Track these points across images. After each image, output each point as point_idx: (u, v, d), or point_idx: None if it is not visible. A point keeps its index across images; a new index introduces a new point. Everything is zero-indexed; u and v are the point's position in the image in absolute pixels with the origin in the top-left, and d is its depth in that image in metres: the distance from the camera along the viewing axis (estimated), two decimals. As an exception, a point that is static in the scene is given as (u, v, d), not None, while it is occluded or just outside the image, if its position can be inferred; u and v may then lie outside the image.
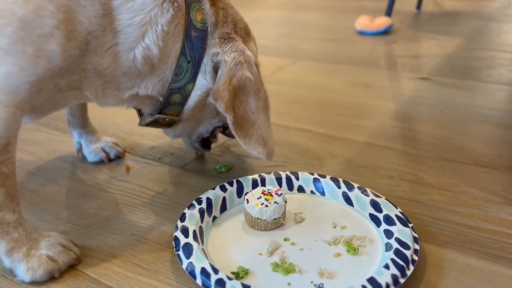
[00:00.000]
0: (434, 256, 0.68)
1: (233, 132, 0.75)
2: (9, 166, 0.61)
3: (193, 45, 0.71)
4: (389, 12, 2.33)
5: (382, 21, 2.22)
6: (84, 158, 1.00)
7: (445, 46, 1.93)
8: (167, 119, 0.79)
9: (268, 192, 0.75)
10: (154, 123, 0.80)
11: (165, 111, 0.77)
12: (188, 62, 0.72)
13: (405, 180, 0.88)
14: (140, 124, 0.82)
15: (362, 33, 2.24)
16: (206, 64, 0.74)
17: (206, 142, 0.93)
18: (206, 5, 0.73)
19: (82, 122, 0.99)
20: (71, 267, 0.66)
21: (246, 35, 0.81)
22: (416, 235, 0.68)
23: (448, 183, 0.87)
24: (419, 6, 2.84)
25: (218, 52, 0.74)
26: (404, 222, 0.70)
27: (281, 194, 0.74)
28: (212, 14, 0.73)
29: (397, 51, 1.89)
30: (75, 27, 0.60)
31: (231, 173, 0.93)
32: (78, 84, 0.67)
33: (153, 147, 1.06)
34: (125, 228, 0.76)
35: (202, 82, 0.75)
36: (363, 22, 2.25)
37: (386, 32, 2.22)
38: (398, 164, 0.94)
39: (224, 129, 0.92)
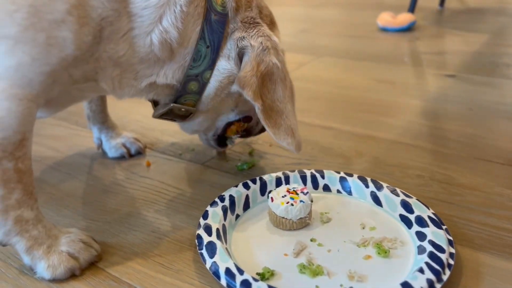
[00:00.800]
0: (470, 260, 0.64)
1: (262, 122, 0.71)
2: (25, 162, 0.59)
3: (213, 29, 0.67)
4: (412, 9, 2.28)
5: (405, 18, 2.17)
6: (104, 153, 0.99)
7: (470, 43, 1.88)
8: (182, 109, 0.75)
9: (294, 190, 0.72)
10: (168, 114, 0.76)
11: (180, 100, 0.73)
12: (207, 47, 0.68)
13: (436, 180, 0.84)
14: (154, 115, 0.78)
15: (384, 30, 2.20)
16: (231, 50, 0.70)
17: (222, 139, 0.90)
18: None
19: (102, 118, 0.97)
20: (91, 265, 0.65)
21: (271, 23, 0.78)
22: (450, 238, 0.64)
23: (481, 183, 0.83)
24: (442, 2, 2.77)
25: (243, 37, 0.70)
26: (438, 224, 0.66)
27: (307, 192, 0.71)
28: None
29: (421, 48, 1.84)
30: (87, 12, 0.56)
31: (253, 171, 0.91)
32: (93, 74, 0.64)
33: (174, 143, 1.04)
34: (146, 225, 0.74)
35: (225, 67, 0.70)
36: (385, 19, 2.20)
37: (409, 29, 2.17)
38: (427, 163, 0.91)
39: (240, 129, 0.88)
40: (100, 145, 0.98)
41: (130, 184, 0.87)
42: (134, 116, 1.19)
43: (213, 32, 0.68)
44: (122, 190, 0.85)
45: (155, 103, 0.81)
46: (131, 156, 0.97)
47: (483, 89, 1.33)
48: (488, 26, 2.22)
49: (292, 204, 0.69)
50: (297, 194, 0.71)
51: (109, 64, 0.63)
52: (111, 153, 0.96)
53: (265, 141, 1.02)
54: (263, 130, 0.88)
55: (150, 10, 0.61)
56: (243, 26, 0.71)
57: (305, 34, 2.18)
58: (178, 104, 0.74)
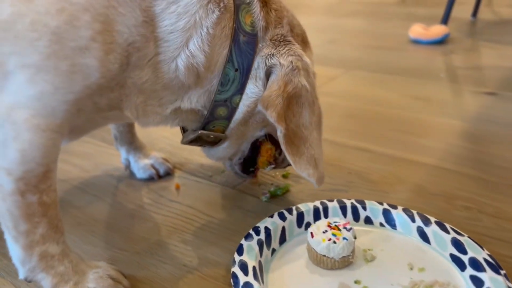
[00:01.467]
0: (533, 311, 0.58)
1: (283, 147, 0.66)
2: (50, 195, 0.56)
3: (242, 51, 0.63)
4: (445, 20, 2.20)
5: (438, 30, 2.10)
6: (132, 173, 0.95)
7: (508, 57, 1.79)
8: (211, 136, 0.71)
9: (335, 225, 0.67)
10: (197, 140, 0.72)
11: (208, 127, 0.70)
12: (236, 70, 0.64)
13: (485, 213, 0.78)
14: (183, 141, 0.75)
15: (416, 42, 2.12)
16: (258, 69, 0.66)
17: (246, 165, 0.83)
18: (256, 7, 0.64)
19: (129, 138, 0.94)
20: (120, 302, 0.61)
21: (303, 42, 0.73)
22: (510, 285, 0.58)
23: (536, 218, 0.76)
24: (475, 13, 2.68)
25: (273, 54, 0.65)
26: (495, 268, 0.60)
27: (351, 228, 0.66)
28: (262, 17, 0.65)
29: (456, 62, 1.77)
30: (113, 38, 0.53)
31: (287, 197, 0.86)
32: (118, 102, 0.61)
33: (203, 163, 1.00)
34: (177, 258, 0.70)
35: (253, 90, 0.66)
36: (417, 30, 2.13)
37: (442, 41, 2.09)
38: (474, 193, 0.84)
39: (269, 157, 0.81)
40: (128, 166, 0.94)
41: (159, 209, 0.83)
42: (162, 133, 1.16)
43: (242, 54, 0.64)
44: (151, 215, 0.81)
45: (183, 129, 0.77)
46: (160, 177, 0.93)
47: (527, 108, 1.26)
48: (526, 38, 2.13)
49: (334, 242, 0.64)
50: (339, 229, 0.66)
51: (133, 91, 0.60)
52: (140, 174, 0.93)
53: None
54: None
55: (176, 34, 0.58)
56: (272, 44, 0.66)
57: (333, 45, 2.13)
58: (206, 131, 0.70)
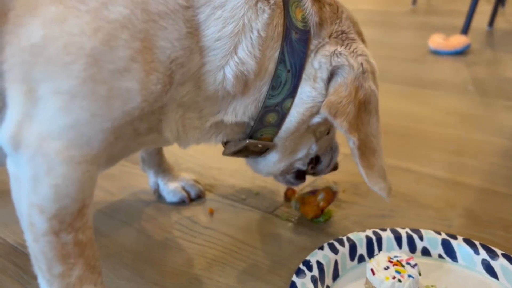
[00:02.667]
0: None
1: (357, 160, 0.60)
2: (86, 233, 0.50)
3: (294, 50, 0.57)
4: (465, 30, 2.15)
5: (459, 40, 2.05)
6: (160, 197, 0.89)
7: (535, 69, 1.74)
8: (259, 145, 0.64)
9: (397, 261, 0.61)
10: (242, 151, 0.65)
11: (256, 135, 0.63)
12: (288, 71, 0.57)
13: (551, 243, 0.72)
14: (226, 153, 0.67)
15: (436, 53, 2.07)
16: (318, 70, 0.59)
17: (301, 174, 0.77)
18: (308, 1, 0.58)
19: (158, 160, 0.88)
20: None
21: (364, 42, 0.66)
22: None
23: None
24: (491, 23, 2.64)
25: (340, 53, 0.58)
26: None
27: (415, 265, 0.60)
28: (315, 12, 0.58)
29: (481, 74, 1.71)
30: (155, 56, 0.48)
31: (331, 223, 0.80)
32: (158, 124, 0.55)
33: (234, 184, 0.94)
34: (221, 295, 0.63)
35: (309, 93, 0.59)
36: (437, 41, 2.08)
37: (462, 52, 2.04)
38: (533, 219, 0.78)
39: (311, 166, 0.77)
40: (157, 189, 0.88)
41: (193, 238, 0.77)
42: (187, 151, 1.10)
43: (294, 53, 0.57)
44: (185, 245, 0.75)
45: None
46: (191, 200, 0.87)
47: None
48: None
49: (399, 280, 0.58)
50: (402, 266, 0.60)
51: (171, 107, 0.54)
52: (170, 197, 0.87)
53: (339, 183, 0.91)
54: (333, 169, 0.78)
55: (224, 41, 0.52)
56: (334, 41, 0.59)
57: (352, 56, 2.07)
58: (254, 140, 0.63)
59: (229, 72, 0.54)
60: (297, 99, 0.60)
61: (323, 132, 0.69)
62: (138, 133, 0.54)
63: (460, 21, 2.21)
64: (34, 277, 0.50)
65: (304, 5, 0.58)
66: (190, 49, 0.51)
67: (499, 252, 0.65)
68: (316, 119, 0.62)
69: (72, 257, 0.49)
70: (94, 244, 0.52)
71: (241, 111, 0.59)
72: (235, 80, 0.54)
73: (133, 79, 0.47)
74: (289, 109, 0.61)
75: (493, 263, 0.64)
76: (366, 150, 0.61)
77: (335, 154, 0.77)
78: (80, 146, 0.46)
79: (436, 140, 1.13)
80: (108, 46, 0.45)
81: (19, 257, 0.72)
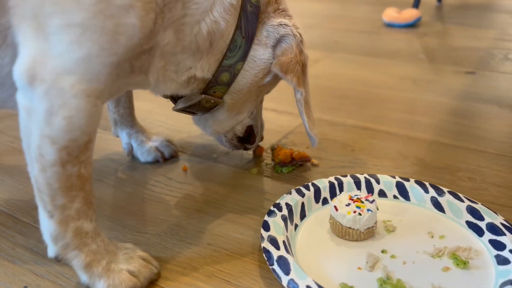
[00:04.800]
0: (551, 270, 0.61)
1: (303, 111, 0.72)
2: (87, 168, 0.54)
3: (248, 20, 0.66)
4: (417, 4, 2.26)
5: (410, 13, 2.15)
6: (133, 159, 0.93)
7: (480, 39, 1.86)
8: (212, 101, 0.72)
9: (358, 198, 0.68)
10: (195, 106, 0.72)
11: (210, 92, 0.70)
12: (243, 37, 0.66)
13: (489, 183, 0.82)
14: (176, 108, 0.74)
15: (390, 26, 2.17)
16: (268, 37, 0.69)
17: (242, 140, 0.85)
18: None
19: (130, 121, 0.91)
20: (151, 283, 0.60)
21: None
22: (531, 247, 0.61)
23: (536, 186, 0.80)
24: (441, -3, 2.76)
25: (286, 24, 0.69)
26: (513, 232, 0.64)
27: (373, 200, 0.68)
28: None
29: (432, 44, 1.82)
30: None
31: (294, 174, 0.86)
32: (147, 66, 0.60)
33: (205, 145, 0.99)
34: (200, 237, 0.69)
35: (262, 56, 0.69)
36: (391, 14, 2.18)
37: (414, 24, 2.15)
38: (475, 165, 0.88)
39: (243, 140, 0.85)
40: (130, 151, 0.92)
41: (170, 191, 0.81)
42: (157, 117, 1.13)
43: (248, 23, 0.66)
44: (164, 198, 0.79)
45: (173, 97, 0.77)
46: (165, 160, 0.91)
47: (507, 86, 1.32)
48: (491, 22, 2.22)
49: (359, 214, 0.65)
50: (362, 202, 0.67)
51: (156, 53, 0.59)
52: (144, 157, 0.90)
53: (303, 143, 0.98)
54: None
55: None
56: (277, 15, 0.70)
57: (314, 29, 2.14)
58: (208, 96, 0.71)
59: (204, 27, 0.60)
60: (250, 62, 0.70)
61: (262, 97, 0.80)
62: (133, 70, 0.58)
63: (412, -5, 2.32)
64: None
65: None
66: None
67: (445, 189, 0.74)
68: (268, 79, 0.72)
69: (75, 189, 0.53)
70: (92, 181, 0.56)
71: (206, 68, 0.66)
72: (207, 35, 0.61)
73: (136, 15, 0.50)
74: (239, 70, 0.70)
75: (440, 199, 0.73)
76: (306, 104, 0.73)
77: (262, 128, 0.87)
78: (91, 80, 0.50)
79: (390, 102, 1.22)
80: None
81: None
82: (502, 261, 0.60)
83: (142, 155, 0.91)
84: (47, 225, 0.54)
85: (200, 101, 0.71)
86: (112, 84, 0.53)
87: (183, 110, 0.74)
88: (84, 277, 0.56)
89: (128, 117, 0.91)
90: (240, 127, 0.81)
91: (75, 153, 0.51)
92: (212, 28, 0.61)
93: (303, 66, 0.71)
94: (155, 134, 0.98)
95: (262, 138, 0.90)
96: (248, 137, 0.85)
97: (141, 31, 0.52)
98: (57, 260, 0.55)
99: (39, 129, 0.49)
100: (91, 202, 0.56)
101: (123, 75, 0.56)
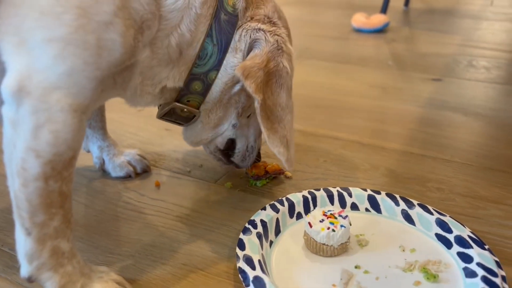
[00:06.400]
0: (516, 280, 0.64)
1: (260, 120, 0.68)
2: (68, 185, 0.54)
3: (221, 29, 0.65)
4: (384, 10, 2.30)
5: (379, 19, 2.19)
6: (105, 173, 0.91)
7: (446, 45, 1.92)
8: (185, 110, 0.71)
9: (331, 214, 0.69)
10: (171, 114, 0.72)
11: (183, 100, 0.70)
12: (214, 45, 0.65)
13: (457, 194, 0.84)
14: (158, 115, 0.75)
15: (359, 31, 2.20)
16: (240, 42, 0.67)
17: (226, 154, 0.84)
18: None
19: (102, 134, 0.90)
20: (125, 308, 0.59)
21: (286, 29, 0.73)
22: (496, 259, 0.64)
23: (500, 195, 0.83)
24: (407, 3, 2.83)
25: (259, 28, 0.67)
26: (480, 244, 0.66)
27: (346, 216, 0.69)
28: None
29: (400, 50, 1.86)
30: (131, 15, 0.54)
31: (268, 187, 0.87)
32: (128, 82, 0.61)
33: (178, 158, 0.98)
34: (175, 257, 0.68)
35: (231, 63, 0.67)
36: (359, 20, 2.21)
37: (382, 30, 2.19)
38: (444, 175, 0.90)
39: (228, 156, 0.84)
40: (102, 165, 0.90)
41: (143, 209, 0.80)
42: (128, 128, 1.12)
43: (222, 31, 0.65)
44: (136, 216, 0.78)
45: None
46: (137, 174, 0.90)
47: (471, 93, 1.36)
48: (456, 27, 2.29)
49: (333, 230, 0.66)
50: (335, 218, 0.68)
51: (136, 70, 0.60)
52: (116, 172, 0.89)
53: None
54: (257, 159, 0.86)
55: (175, 14, 0.60)
56: (256, 21, 0.68)
57: (282, 34, 2.15)
58: (180, 104, 0.70)
59: (173, 40, 0.61)
60: (222, 71, 0.68)
61: (245, 108, 0.75)
62: (115, 87, 0.59)
63: (379, 1, 2.36)
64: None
65: None
66: (154, 15, 0.57)
67: (415, 202, 0.76)
68: (237, 87, 0.70)
69: (55, 206, 0.52)
70: (71, 199, 0.55)
71: (177, 77, 0.66)
72: (176, 47, 0.62)
73: (116, 31, 0.52)
74: (213, 80, 0.68)
75: (410, 212, 0.75)
76: (272, 116, 0.69)
77: (255, 150, 0.84)
78: (77, 95, 0.51)
79: (361, 110, 1.24)
80: (94, 1, 0.50)
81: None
82: (469, 274, 0.62)
83: (114, 170, 0.89)
84: (23, 243, 0.53)
85: (174, 109, 0.71)
86: (97, 99, 0.54)
87: (167, 120, 0.74)
88: (57, 300, 0.55)
89: (99, 130, 0.89)
90: (221, 139, 0.79)
91: (59, 168, 0.51)
92: (179, 40, 0.62)
93: (269, 74, 0.68)
94: (127, 147, 0.97)
95: (259, 159, 0.87)
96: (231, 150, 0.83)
97: (123, 46, 0.53)
98: (30, 281, 0.54)
99: (24, 142, 0.49)
100: (70, 221, 0.55)
101: (108, 90, 0.57)
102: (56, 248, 0.54)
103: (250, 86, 0.65)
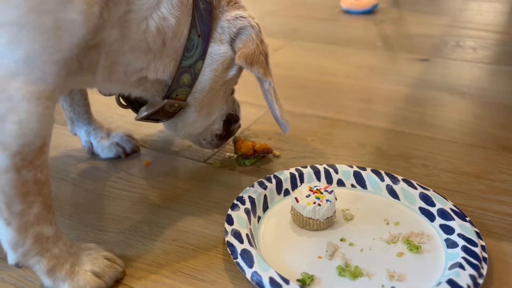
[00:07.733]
0: (495, 251, 0.66)
1: (273, 99, 0.72)
2: (44, 172, 0.53)
3: (202, 18, 0.66)
4: (373, -10, 2.30)
5: (368, 0, 2.19)
6: (94, 156, 0.92)
7: (434, 26, 1.93)
8: (176, 105, 0.71)
9: (317, 189, 0.70)
10: (158, 112, 0.71)
11: (172, 95, 0.70)
12: (199, 36, 0.66)
13: (441, 169, 0.86)
14: (139, 118, 0.73)
15: (348, 12, 2.20)
16: (223, 33, 0.69)
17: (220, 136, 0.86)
18: None
19: (87, 118, 0.90)
20: (117, 282, 0.60)
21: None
22: (477, 230, 0.66)
23: (483, 170, 0.85)
24: (396, -17, 2.82)
25: (242, 16, 0.69)
26: (462, 216, 0.68)
27: (332, 191, 0.70)
28: None
29: (388, 31, 1.87)
30: None
31: (257, 166, 0.88)
32: (96, 64, 0.58)
33: (166, 139, 0.98)
34: (164, 233, 0.69)
35: (218, 51, 0.69)
36: (348, 1, 2.21)
37: (371, 11, 2.19)
38: (428, 151, 0.92)
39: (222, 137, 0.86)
40: (91, 149, 0.90)
41: (133, 188, 0.81)
42: (115, 110, 1.11)
43: (203, 20, 0.66)
44: (126, 195, 0.79)
45: (133, 106, 0.76)
46: (127, 155, 0.91)
47: (457, 73, 1.38)
48: (444, 8, 2.30)
49: (319, 204, 0.67)
50: (321, 193, 0.70)
51: (103, 51, 0.58)
52: (105, 153, 0.90)
53: (265, 134, 0.99)
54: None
55: None
56: (231, 8, 0.70)
57: (273, 16, 2.15)
58: (171, 100, 0.70)
59: (152, 24, 0.59)
60: (208, 60, 0.69)
61: (231, 90, 0.79)
62: (81, 69, 0.57)
63: (369, -18, 2.35)
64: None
65: None
66: None
67: (400, 177, 0.77)
68: (232, 72, 0.72)
69: (32, 195, 0.51)
70: (50, 184, 0.55)
71: (161, 69, 0.66)
72: (156, 33, 0.60)
73: (76, 10, 0.48)
74: (200, 70, 0.69)
75: (395, 187, 0.76)
76: (275, 93, 0.74)
77: (239, 110, 0.88)
78: (37, 82, 0.48)
79: (349, 91, 1.25)
80: None
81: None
82: (451, 244, 0.64)
83: (103, 152, 0.90)
84: (4, 233, 0.52)
85: (164, 106, 0.70)
86: (62, 84, 0.52)
87: (149, 120, 0.73)
88: (47, 282, 0.56)
89: (84, 115, 0.89)
90: (217, 125, 0.81)
91: (30, 158, 0.49)
92: (161, 24, 0.60)
93: (266, 56, 0.72)
94: (114, 130, 0.97)
95: (239, 126, 0.89)
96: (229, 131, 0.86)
97: (85, 26, 0.50)
98: (18, 267, 0.55)
99: None
100: (50, 206, 0.55)
101: (72, 73, 0.55)
102: (40, 234, 0.53)
103: (258, 72, 0.70)
